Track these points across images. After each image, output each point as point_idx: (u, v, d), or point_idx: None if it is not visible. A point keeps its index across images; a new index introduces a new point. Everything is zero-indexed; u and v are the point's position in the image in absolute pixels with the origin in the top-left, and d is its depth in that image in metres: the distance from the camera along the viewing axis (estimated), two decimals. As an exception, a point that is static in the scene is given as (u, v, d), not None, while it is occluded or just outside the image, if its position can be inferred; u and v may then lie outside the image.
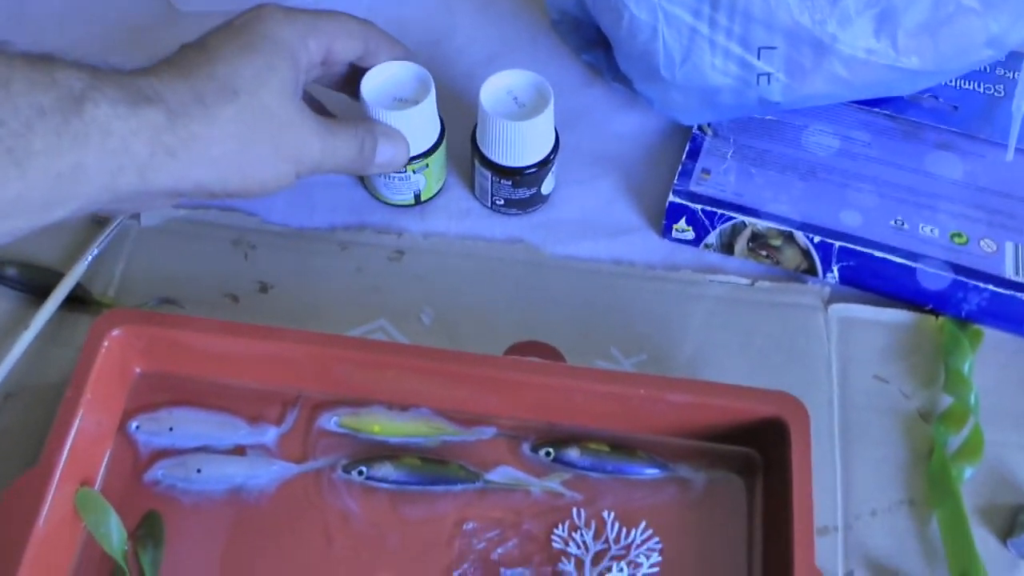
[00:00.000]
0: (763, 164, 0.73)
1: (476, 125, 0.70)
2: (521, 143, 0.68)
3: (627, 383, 0.60)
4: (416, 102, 0.67)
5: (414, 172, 0.70)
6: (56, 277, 0.69)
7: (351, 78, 0.69)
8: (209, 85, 0.56)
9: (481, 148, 0.69)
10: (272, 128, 0.58)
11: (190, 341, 0.62)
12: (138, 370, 0.64)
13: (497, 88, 0.68)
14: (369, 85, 0.68)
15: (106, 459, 0.62)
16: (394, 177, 0.71)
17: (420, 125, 0.68)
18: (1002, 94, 0.78)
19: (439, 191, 0.75)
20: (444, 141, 0.71)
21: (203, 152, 0.55)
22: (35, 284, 0.69)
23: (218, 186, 0.57)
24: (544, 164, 0.70)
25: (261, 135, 0.58)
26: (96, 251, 0.70)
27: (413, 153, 0.69)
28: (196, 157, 0.55)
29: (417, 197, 0.73)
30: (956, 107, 0.77)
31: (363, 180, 0.75)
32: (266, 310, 0.69)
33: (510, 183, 0.70)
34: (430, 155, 0.70)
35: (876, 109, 0.77)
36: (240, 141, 0.57)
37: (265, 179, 0.59)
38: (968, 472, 0.63)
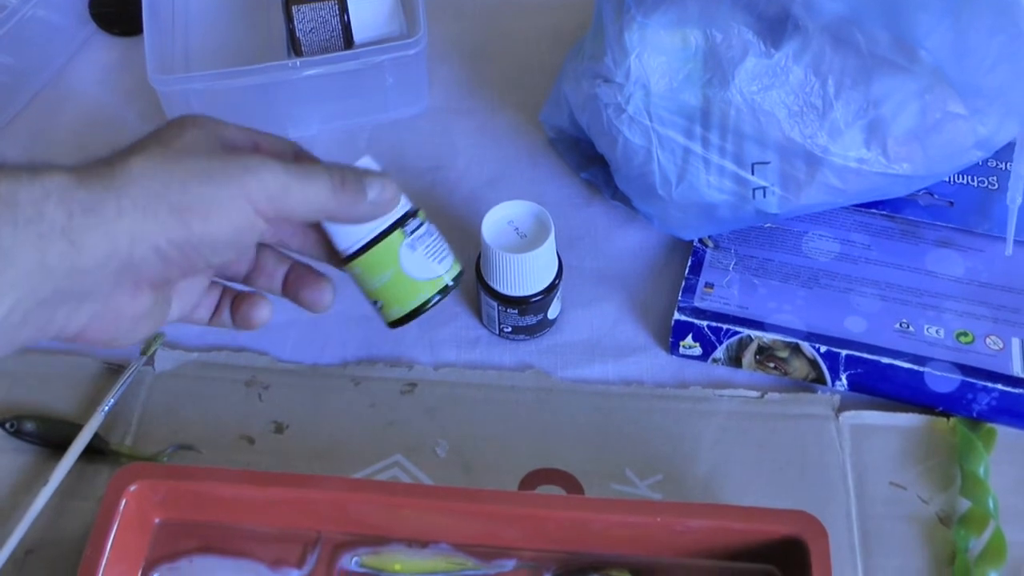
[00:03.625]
0: (765, 274, 0.74)
1: (479, 255, 0.71)
2: (525, 274, 0.68)
3: (645, 511, 0.60)
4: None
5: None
6: (73, 429, 0.69)
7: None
8: (110, 156, 0.50)
9: (486, 279, 0.70)
10: (202, 160, 0.51)
11: (207, 491, 0.63)
12: (157, 520, 0.64)
13: (498, 219, 0.69)
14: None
15: (130, 613, 0.62)
16: (427, 242, 0.58)
17: None
18: (996, 187, 0.79)
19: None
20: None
21: (124, 198, 0.48)
22: (52, 437, 0.70)
23: (174, 233, 0.50)
24: (549, 291, 0.70)
25: (190, 170, 0.50)
26: (112, 402, 0.70)
27: None
28: (120, 207, 0.48)
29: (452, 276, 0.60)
30: (952, 203, 0.78)
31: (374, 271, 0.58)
32: (282, 451, 0.70)
33: (516, 311, 0.71)
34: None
35: (873, 210, 0.78)
36: (164, 182, 0.49)
37: (222, 218, 0.51)
38: (992, 576, 0.63)
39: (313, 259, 0.61)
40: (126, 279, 0.51)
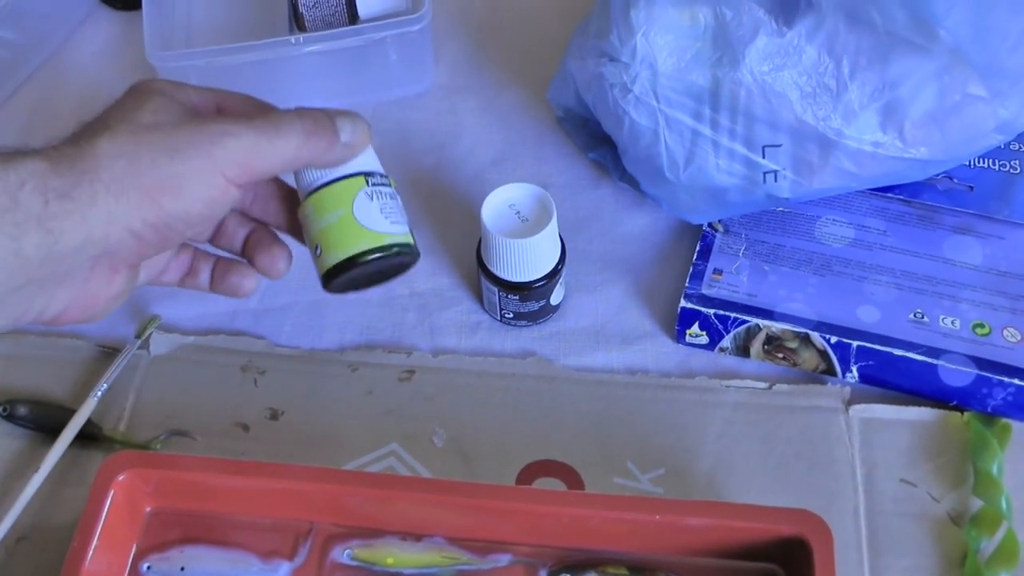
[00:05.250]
0: (776, 260, 0.72)
1: (480, 240, 0.69)
2: (526, 259, 0.67)
3: (644, 509, 0.59)
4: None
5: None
6: (67, 413, 0.68)
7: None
8: (76, 134, 0.50)
9: (487, 264, 0.68)
10: (167, 135, 0.50)
11: (199, 480, 0.61)
12: (148, 509, 0.63)
13: (499, 203, 0.67)
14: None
15: (118, 603, 0.61)
16: (387, 202, 0.57)
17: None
18: (1018, 171, 0.76)
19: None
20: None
21: (96, 183, 0.48)
22: (46, 422, 0.69)
23: (148, 214, 0.50)
24: (551, 276, 0.69)
25: (156, 146, 0.50)
26: (105, 386, 0.69)
27: None
28: (94, 192, 0.48)
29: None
30: (971, 187, 0.75)
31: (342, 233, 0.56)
32: (277, 438, 0.69)
33: (518, 297, 0.69)
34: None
35: (890, 194, 0.75)
36: (132, 161, 0.49)
37: (193, 192, 0.50)
38: (1004, 579, 0.61)
39: (276, 227, 0.61)
40: (103, 263, 0.51)
